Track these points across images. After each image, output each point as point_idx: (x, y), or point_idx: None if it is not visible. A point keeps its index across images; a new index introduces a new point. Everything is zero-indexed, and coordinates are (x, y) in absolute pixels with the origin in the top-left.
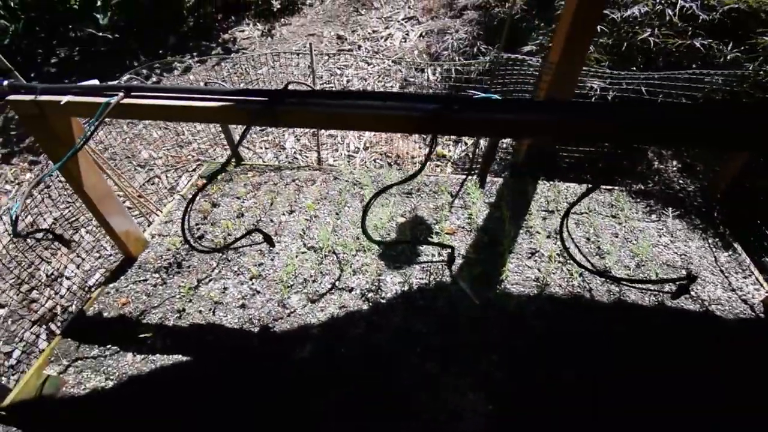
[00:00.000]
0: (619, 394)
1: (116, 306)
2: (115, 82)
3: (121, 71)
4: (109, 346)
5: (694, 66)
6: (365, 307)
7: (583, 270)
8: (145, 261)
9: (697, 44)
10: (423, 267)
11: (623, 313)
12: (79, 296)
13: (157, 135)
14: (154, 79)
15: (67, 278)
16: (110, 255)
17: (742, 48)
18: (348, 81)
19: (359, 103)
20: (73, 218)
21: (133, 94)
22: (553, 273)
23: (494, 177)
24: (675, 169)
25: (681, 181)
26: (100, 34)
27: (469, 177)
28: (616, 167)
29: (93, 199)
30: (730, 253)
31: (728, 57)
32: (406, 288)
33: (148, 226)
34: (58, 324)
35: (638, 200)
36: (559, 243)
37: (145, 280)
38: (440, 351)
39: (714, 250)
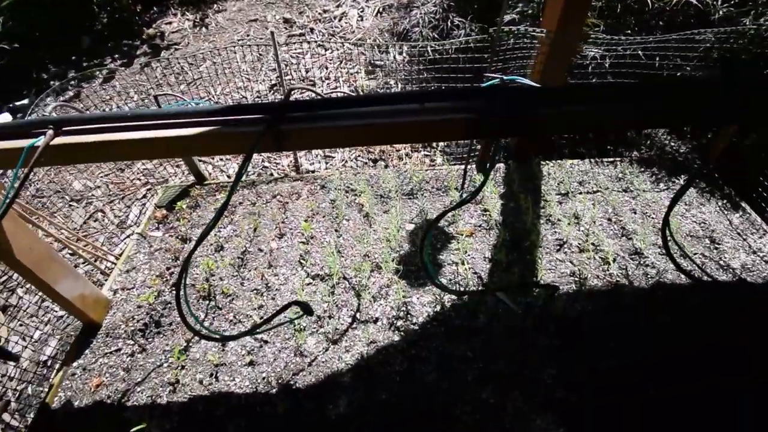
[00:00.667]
0: (676, 379)
1: (88, 390)
2: (35, 117)
3: (28, 88)
4: None
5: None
6: (397, 338)
7: (616, 256)
8: (112, 326)
9: (694, 0)
10: (450, 280)
11: (663, 297)
12: (34, 374)
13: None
14: (71, 93)
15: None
16: (62, 317)
17: (733, 2)
18: (307, 71)
19: (388, 109)
20: (3, 275)
21: (67, 129)
22: (587, 264)
23: (492, 162)
24: (664, 132)
25: (673, 144)
26: None
27: (469, 166)
28: (608, 138)
29: (30, 267)
30: (740, 213)
31: (721, 12)
32: (438, 308)
33: (104, 278)
34: (16, 417)
35: (642, 169)
36: (583, 228)
37: (119, 349)
38: (492, 374)
39: (726, 212)
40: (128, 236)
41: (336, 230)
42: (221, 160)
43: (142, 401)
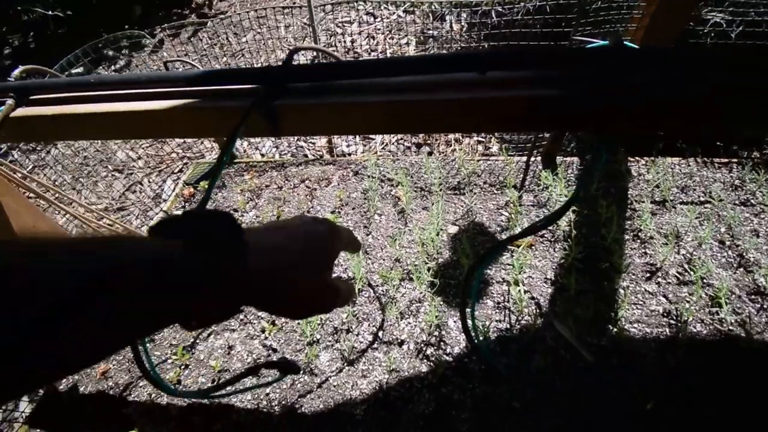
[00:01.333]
0: None
1: (94, 376)
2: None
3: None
4: None
5: None
6: (425, 369)
7: (731, 295)
8: None
9: None
10: (498, 303)
11: None
12: None
13: None
14: (122, 62)
15: None
16: None
17: None
18: (353, 42)
19: (431, 80)
20: None
21: (34, 98)
22: (688, 302)
23: (563, 156)
24: None
25: None
26: (50, 12)
27: (533, 159)
28: (718, 132)
29: None
30: None
31: None
32: (480, 338)
33: None
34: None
35: (767, 177)
36: (684, 252)
37: None
38: None
39: None
40: (162, 210)
41: (365, 226)
42: (257, 137)
43: (142, 397)
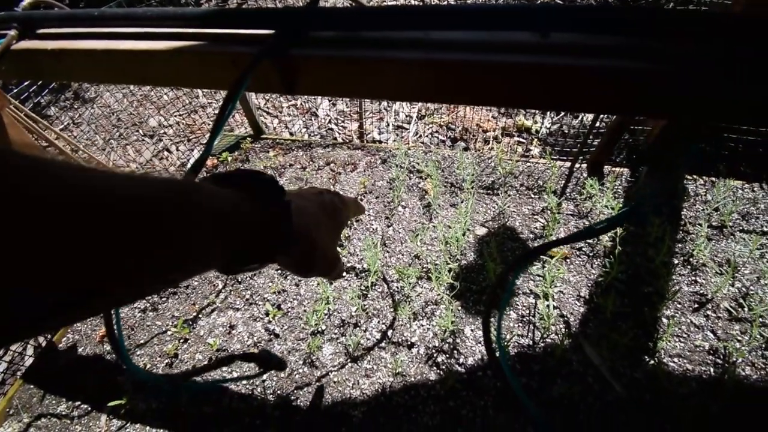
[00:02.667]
0: None
1: (94, 339)
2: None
3: None
4: (78, 404)
5: None
6: (433, 377)
7: None
8: None
9: None
10: (523, 317)
11: None
12: None
13: (168, 98)
14: None
15: None
16: None
17: None
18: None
19: (480, 39)
20: None
21: (40, 32)
22: (739, 341)
23: (612, 166)
24: None
25: None
26: None
27: (578, 165)
28: None
29: None
30: None
31: None
32: (504, 356)
33: None
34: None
35: None
36: (740, 285)
37: (133, 304)
38: None
39: None
40: None
41: (387, 217)
42: (289, 114)
43: (138, 366)
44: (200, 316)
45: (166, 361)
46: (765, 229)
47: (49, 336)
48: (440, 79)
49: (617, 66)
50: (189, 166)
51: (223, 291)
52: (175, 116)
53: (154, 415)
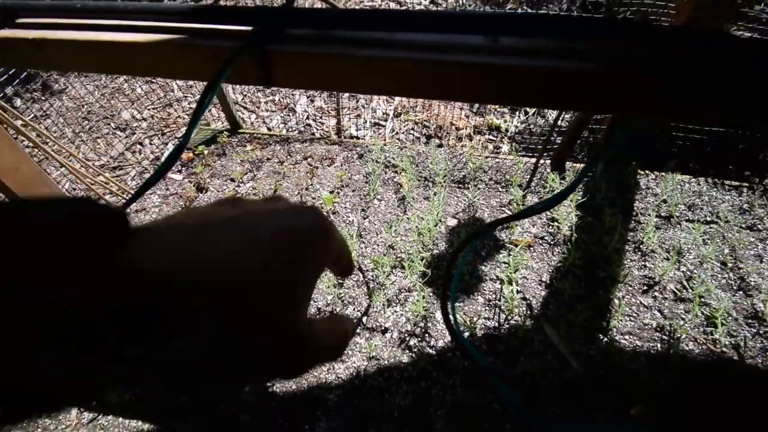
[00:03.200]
0: None
1: None
2: None
3: None
4: None
5: None
6: (406, 360)
7: (727, 317)
8: None
9: None
10: (489, 301)
11: None
12: None
13: (142, 91)
14: None
15: None
16: None
17: None
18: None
19: (442, 41)
20: None
21: (21, 21)
22: (683, 319)
23: (574, 162)
24: None
25: None
26: None
27: (542, 161)
28: (732, 153)
29: (13, 188)
30: None
31: None
32: (467, 334)
33: None
34: None
35: None
36: (685, 269)
37: None
38: None
39: None
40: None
41: (363, 210)
42: (266, 110)
43: None
44: None
45: None
46: (708, 218)
47: None
48: (401, 75)
49: (553, 65)
50: (163, 158)
51: None
52: (149, 109)
53: (128, 406)
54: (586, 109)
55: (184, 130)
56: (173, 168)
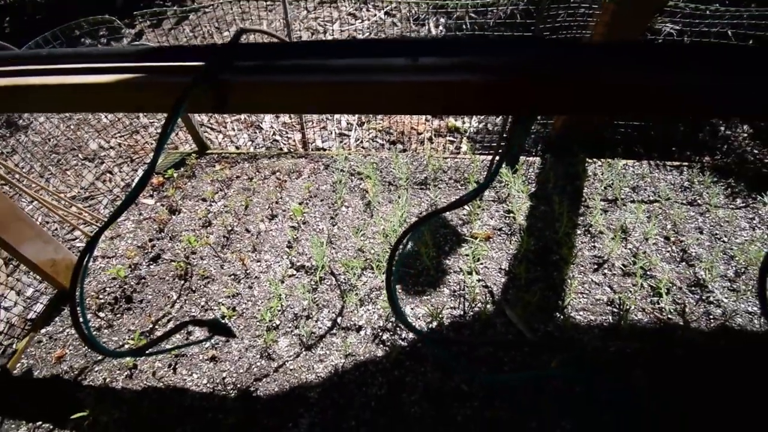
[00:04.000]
0: None
1: (49, 361)
2: None
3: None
4: (39, 423)
5: None
6: (380, 353)
7: (671, 287)
8: (85, 295)
9: None
10: (454, 292)
11: (730, 347)
12: (19, 333)
13: (108, 120)
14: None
15: (5, 309)
16: None
17: None
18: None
19: (370, 64)
20: None
21: None
22: (631, 292)
23: (527, 156)
24: (746, 135)
25: (756, 151)
26: None
27: (497, 158)
28: (673, 136)
29: None
30: None
31: None
32: (434, 324)
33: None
34: None
35: (716, 179)
36: (631, 246)
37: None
38: (489, 420)
39: None
40: None
41: (332, 217)
42: (233, 129)
43: (97, 382)
44: (157, 327)
45: (126, 373)
46: (651, 198)
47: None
48: (336, 95)
49: (462, 78)
50: (133, 185)
51: (177, 301)
52: (116, 138)
53: (118, 423)
54: (494, 113)
55: (152, 155)
56: (144, 193)
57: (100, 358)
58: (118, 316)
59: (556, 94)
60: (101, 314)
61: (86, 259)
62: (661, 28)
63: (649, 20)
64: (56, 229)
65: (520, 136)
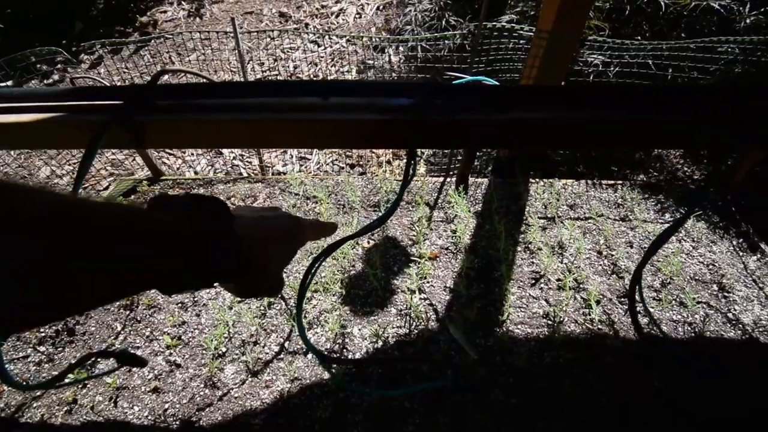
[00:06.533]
0: None
1: None
2: None
3: (14, 70)
4: None
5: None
6: (326, 376)
7: (601, 298)
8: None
9: (715, 5)
10: (400, 311)
11: (654, 354)
12: None
13: None
14: (56, 77)
15: None
16: None
17: (764, 9)
18: (296, 67)
19: (281, 102)
20: None
21: None
22: (565, 304)
23: (477, 177)
24: (677, 155)
25: (686, 169)
26: None
27: (448, 180)
28: (613, 156)
29: None
30: (759, 256)
31: (748, 21)
32: (380, 344)
33: None
34: None
35: (646, 196)
36: (566, 261)
37: (26, 356)
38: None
39: (741, 254)
40: None
41: None
42: (192, 154)
43: (35, 419)
44: (98, 361)
45: (66, 408)
46: (587, 215)
47: None
48: (251, 131)
49: (364, 118)
50: None
51: (122, 332)
52: (70, 164)
53: None
54: (394, 147)
55: (107, 182)
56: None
57: (38, 393)
58: (59, 349)
59: (432, 131)
60: (41, 348)
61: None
62: (587, 59)
63: (574, 52)
64: None
65: (413, 165)
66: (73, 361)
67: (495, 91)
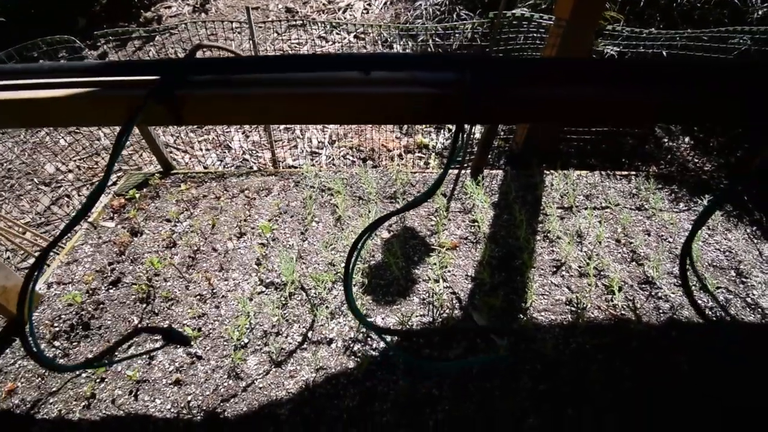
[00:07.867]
0: None
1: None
2: None
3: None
4: None
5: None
6: (352, 365)
7: (623, 285)
8: (38, 324)
9: None
10: (423, 300)
11: (678, 338)
12: None
13: (66, 142)
14: None
15: None
16: None
17: None
18: None
19: (322, 76)
20: None
21: None
22: (587, 291)
23: (490, 170)
24: (687, 146)
25: (696, 160)
26: None
27: (463, 171)
28: (622, 149)
29: None
30: None
31: (760, 12)
32: (404, 333)
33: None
34: None
35: (660, 186)
36: (586, 249)
37: (41, 352)
38: (460, 420)
39: (756, 241)
40: (88, 222)
41: (302, 233)
42: (201, 149)
43: (52, 415)
44: (116, 353)
45: (83, 403)
46: (603, 204)
47: None
48: (294, 106)
49: (408, 91)
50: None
51: (139, 325)
52: (75, 161)
53: None
54: (443, 122)
55: (115, 177)
56: (105, 216)
57: (54, 389)
58: (74, 344)
59: (486, 107)
60: (56, 343)
61: (36, 275)
62: (603, 50)
63: (591, 42)
64: (9, 257)
65: (461, 143)
66: (90, 356)
67: (555, 64)
